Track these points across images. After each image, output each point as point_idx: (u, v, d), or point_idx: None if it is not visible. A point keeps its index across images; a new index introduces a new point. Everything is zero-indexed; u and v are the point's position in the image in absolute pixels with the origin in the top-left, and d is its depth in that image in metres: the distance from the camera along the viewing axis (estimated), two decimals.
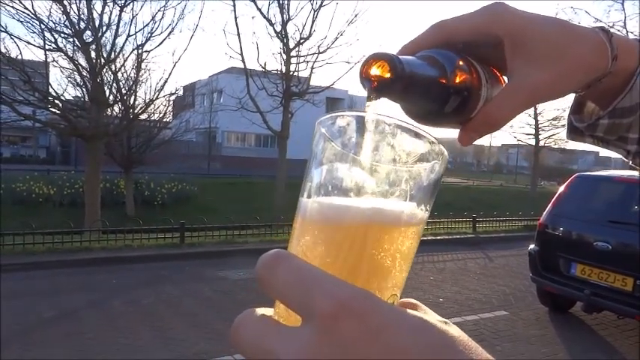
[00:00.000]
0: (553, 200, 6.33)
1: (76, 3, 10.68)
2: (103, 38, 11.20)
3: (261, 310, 0.30)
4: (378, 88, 0.36)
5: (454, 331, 0.28)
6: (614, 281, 5.35)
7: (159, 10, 12.03)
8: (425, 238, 10.15)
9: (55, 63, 11.57)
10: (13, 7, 10.04)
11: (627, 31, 16.05)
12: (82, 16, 10.82)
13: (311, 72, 15.58)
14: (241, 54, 14.83)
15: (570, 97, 0.54)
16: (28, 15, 10.23)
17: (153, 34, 11.75)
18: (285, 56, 15.03)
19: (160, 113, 15.07)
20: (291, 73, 15.18)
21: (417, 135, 0.31)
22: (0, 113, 11.23)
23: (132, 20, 11.87)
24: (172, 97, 15.82)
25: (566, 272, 5.82)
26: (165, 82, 12.78)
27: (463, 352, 0.26)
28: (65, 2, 10.44)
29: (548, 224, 6.19)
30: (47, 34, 10.53)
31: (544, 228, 6.23)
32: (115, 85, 11.83)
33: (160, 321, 5.61)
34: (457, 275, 8.42)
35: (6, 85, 10.67)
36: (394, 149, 0.31)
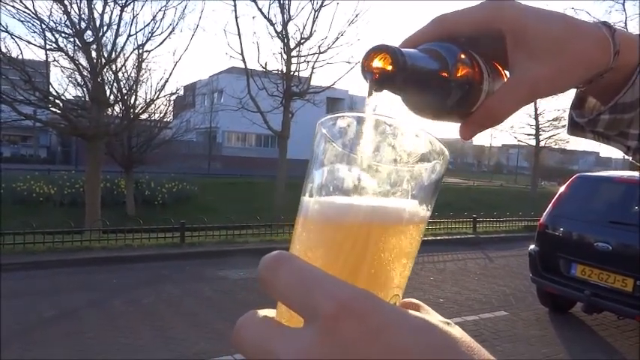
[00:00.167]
0: (553, 201, 6.33)
1: (76, 3, 10.70)
2: (104, 38, 11.22)
3: (263, 312, 0.30)
4: (379, 80, 0.36)
5: (456, 331, 0.28)
6: (614, 282, 5.35)
7: (159, 10, 12.05)
8: (425, 239, 10.10)
9: (55, 63, 11.60)
10: (13, 6, 10.06)
11: None
12: (82, 15, 10.84)
13: (311, 72, 15.59)
14: (242, 54, 14.84)
15: (571, 96, 0.54)
16: (29, 15, 10.24)
17: (153, 34, 11.76)
18: (285, 56, 15.04)
19: (160, 113, 15.10)
20: (292, 73, 15.18)
21: (417, 135, 0.31)
22: (0, 113, 11.24)
23: (132, 20, 11.90)
24: (173, 97, 15.83)
25: (566, 273, 5.82)
26: (166, 81, 12.80)
27: (465, 352, 0.26)
28: (66, 2, 10.45)
29: (549, 225, 6.19)
30: (48, 34, 10.55)
31: (544, 228, 6.23)
32: (115, 84, 11.84)
33: (160, 320, 5.61)
34: (457, 275, 8.42)
35: (7, 85, 10.68)
36: (395, 149, 0.31)
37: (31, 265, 7.47)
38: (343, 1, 26.03)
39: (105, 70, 11.34)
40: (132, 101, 12.65)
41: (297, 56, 15.25)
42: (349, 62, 15.52)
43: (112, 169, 15.66)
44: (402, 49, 0.36)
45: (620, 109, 0.48)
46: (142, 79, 12.80)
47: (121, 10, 11.10)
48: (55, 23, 10.66)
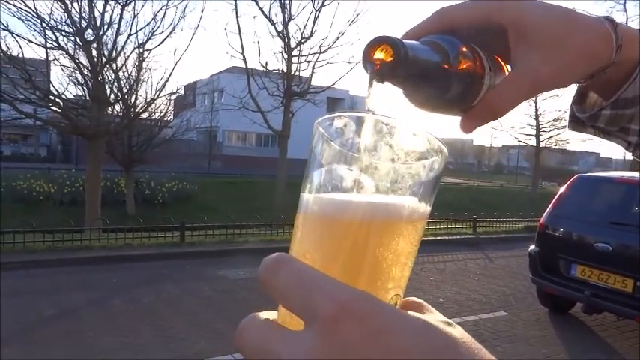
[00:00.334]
0: (553, 201, 6.33)
1: (77, 1, 10.69)
2: (105, 37, 11.22)
3: (264, 314, 0.30)
4: (380, 72, 0.36)
5: (457, 332, 0.28)
6: (614, 282, 5.35)
7: (160, 9, 12.07)
8: (425, 239, 10.11)
9: (56, 61, 11.61)
10: (14, 5, 10.05)
11: None
12: (83, 14, 10.84)
13: (312, 72, 15.59)
14: (242, 53, 14.84)
15: (572, 95, 0.54)
16: (30, 13, 10.24)
17: (154, 33, 11.76)
18: (286, 56, 15.04)
19: (160, 112, 15.10)
20: (292, 72, 15.18)
21: (415, 134, 0.31)
22: (1, 111, 11.25)
23: (133, 19, 11.92)
24: (173, 96, 15.83)
25: (566, 273, 5.82)
26: (167, 81, 12.83)
27: (465, 353, 0.26)
28: (67, 1, 10.45)
29: (549, 225, 6.19)
30: (48, 33, 10.55)
31: (544, 229, 6.23)
32: (116, 83, 11.84)
33: (160, 320, 5.61)
34: (457, 276, 8.42)
35: (7, 84, 10.68)
36: (393, 148, 0.31)
37: (31, 264, 7.47)
38: (344, 0, 26.01)
39: (105, 69, 11.34)
40: (132, 100, 12.66)
41: (298, 56, 15.26)
42: (350, 62, 15.55)
43: (112, 168, 15.67)
44: (403, 41, 0.36)
45: (622, 104, 0.48)
46: (142, 78, 12.82)
47: (122, 9, 11.11)
48: (55, 22, 10.67)
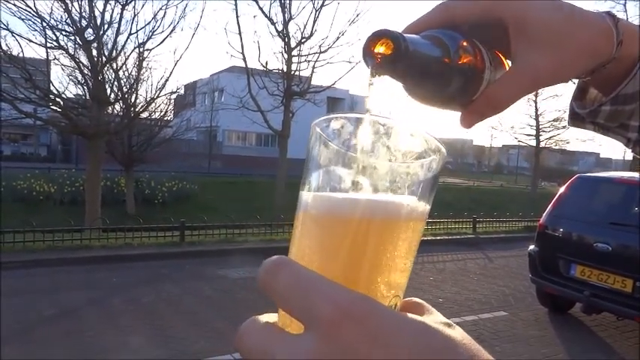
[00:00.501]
0: (553, 201, 6.33)
1: (77, 1, 10.68)
2: (105, 36, 11.21)
3: (264, 318, 0.30)
4: (381, 65, 0.36)
5: (456, 333, 0.28)
6: (613, 282, 5.35)
7: (160, 9, 12.06)
8: (425, 239, 10.14)
9: (56, 61, 11.60)
10: (14, 4, 10.05)
11: None
12: (83, 14, 10.83)
13: (312, 71, 15.57)
14: (242, 53, 14.83)
15: (572, 93, 0.54)
16: (30, 13, 10.24)
17: (154, 33, 11.75)
18: (286, 55, 15.03)
19: (161, 112, 15.10)
20: (293, 72, 15.17)
21: (412, 134, 0.31)
22: (1, 111, 11.24)
23: (133, 18, 11.86)
24: (173, 96, 15.83)
25: (565, 273, 5.82)
26: (167, 80, 12.80)
27: (464, 355, 0.26)
28: (67, 0, 10.45)
29: (549, 225, 6.19)
30: (49, 32, 10.55)
31: (544, 229, 6.23)
32: (116, 83, 11.84)
33: (160, 319, 5.61)
34: (457, 276, 8.42)
35: (7, 83, 10.68)
36: (391, 148, 0.31)
37: (31, 264, 7.47)
38: (344, 0, 25.98)
39: (105, 68, 11.34)
40: (132, 100, 12.66)
41: (298, 55, 15.25)
42: (350, 62, 15.52)
43: (112, 168, 15.66)
44: (404, 35, 0.36)
45: (622, 100, 0.48)
46: (142, 77, 12.82)
47: (122, 9, 11.11)
48: (55, 21, 10.67)
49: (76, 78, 11.91)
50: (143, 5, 19.01)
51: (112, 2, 11.02)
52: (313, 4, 14.85)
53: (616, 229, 5.56)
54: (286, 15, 14.84)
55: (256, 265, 0.29)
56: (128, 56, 11.93)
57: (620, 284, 5.29)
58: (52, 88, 11.30)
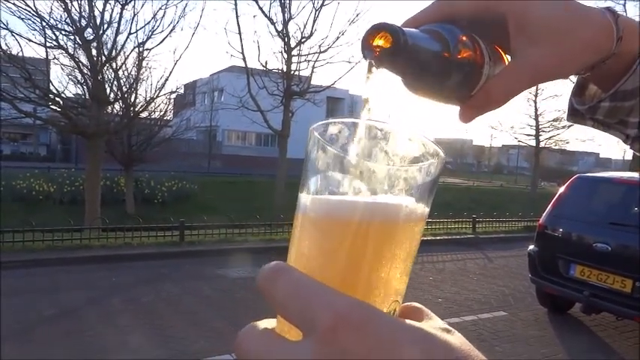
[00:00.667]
0: (553, 201, 6.33)
1: (77, 0, 10.68)
2: (104, 36, 11.21)
3: (263, 324, 0.30)
4: (379, 59, 0.36)
5: (455, 339, 0.28)
6: (613, 282, 5.35)
7: (160, 9, 12.07)
8: (424, 238, 10.12)
9: (56, 60, 11.61)
10: (14, 4, 10.05)
11: None
12: (83, 13, 10.83)
13: (312, 71, 15.57)
14: (242, 53, 14.82)
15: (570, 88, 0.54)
16: (30, 12, 10.23)
17: (154, 32, 11.75)
18: (286, 55, 15.02)
19: (160, 111, 15.11)
20: (292, 72, 15.16)
21: (410, 138, 0.31)
22: (0, 110, 11.23)
23: (133, 18, 11.88)
24: (173, 96, 15.83)
25: (565, 273, 5.82)
26: (166, 80, 12.79)
27: None
28: (66, 0, 10.45)
29: (548, 225, 6.19)
30: (48, 32, 10.54)
31: (544, 229, 6.23)
32: (115, 82, 11.83)
33: (159, 319, 5.61)
34: (456, 276, 8.42)
35: (7, 83, 10.68)
36: (389, 152, 0.31)
37: (30, 263, 7.47)
38: (344, 0, 25.99)
39: (105, 68, 11.33)
40: (132, 99, 12.65)
41: (298, 55, 15.25)
42: (350, 62, 15.52)
43: (111, 167, 15.66)
44: (403, 29, 0.36)
45: (621, 96, 0.48)
46: (142, 77, 12.81)
47: (122, 8, 11.10)
48: (55, 21, 10.66)
49: (76, 77, 11.92)
50: (143, 5, 19.01)
51: (112, 2, 11.03)
52: (313, 4, 14.86)
53: (615, 229, 5.56)
54: (286, 15, 14.84)
55: (256, 265, 0.29)
56: (128, 56, 11.94)
57: (619, 284, 5.29)
58: (51, 87, 11.30)
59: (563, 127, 23.79)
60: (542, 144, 24.85)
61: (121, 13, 11.12)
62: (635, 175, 6.51)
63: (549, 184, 37.98)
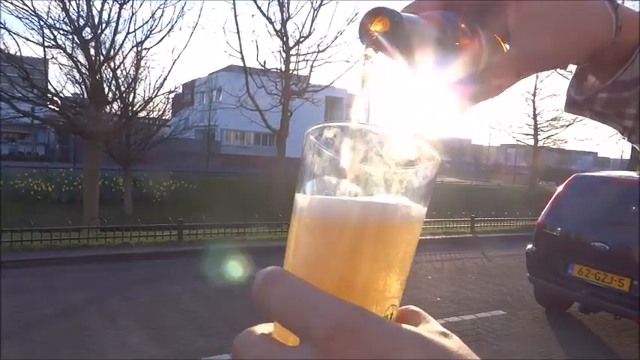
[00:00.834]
0: (551, 200, 6.34)
1: (75, 0, 10.67)
2: (103, 35, 11.20)
3: (260, 329, 0.30)
4: (376, 43, 0.35)
5: (453, 343, 0.27)
6: (611, 282, 5.36)
7: (158, 8, 12.06)
8: (423, 238, 10.10)
9: (54, 60, 11.58)
10: (12, 3, 10.03)
11: None
12: (81, 13, 10.81)
13: (310, 71, 15.54)
14: (241, 52, 14.80)
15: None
16: (27, 11, 10.22)
17: (152, 32, 11.74)
18: (284, 55, 15.01)
19: (159, 111, 15.06)
20: (291, 71, 15.15)
21: (406, 141, 0.31)
22: None
23: (131, 17, 11.83)
24: (171, 95, 15.82)
25: (563, 272, 5.83)
26: (165, 79, 12.77)
27: None
28: None
29: (546, 224, 6.20)
30: (46, 31, 10.53)
31: (542, 228, 6.24)
32: (114, 82, 11.82)
33: (157, 319, 5.61)
34: (455, 275, 8.43)
35: (5, 82, 10.65)
36: (384, 155, 0.31)
37: (29, 263, 7.46)
38: (343, 0, 25.99)
39: (103, 67, 11.32)
40: (130, 99, 12.62)
41: (296, 55, 15.23)
42: (348, 61, 15.50)
43: (110, 167, 15.64)
44: (401, 14, 0.36)
45: (619, 87, 0.47)
46: (140, 76, 12.78)
47: (120, 8, 11.09)
48: (53, 20, 10.66)
49: (74, 77, 11.90)
50: (141, 4, 18.89)
51: (110, 1, 11.03)
52: (311, 4, 14.84)
53: (614, 228, 5.57)
54: (284, 14, 14.82)
55: (254, 265, 0.29)
56: (126, 55, 11.92)
57: (617, 283, 5.31)
58: (49, 87, 11.28)
59: (562, 126, 23.85)
60: (540, 143, 24.89)
61: (119, 13, 11.13)
62: (632, 174, 6.53)
63: (547, 184, 38.01)
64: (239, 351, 0.29)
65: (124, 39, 11.56)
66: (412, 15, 0.39)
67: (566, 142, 25.87)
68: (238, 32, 14.63)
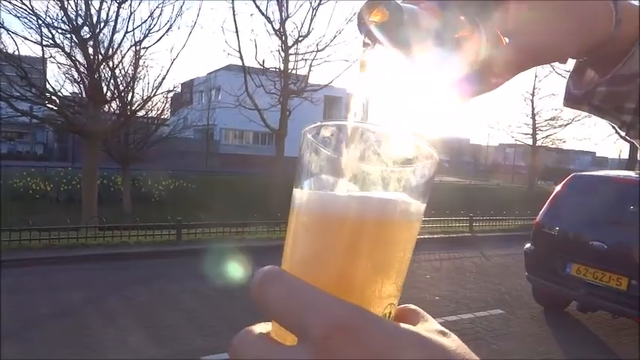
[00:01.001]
0: (549, 200, 6.35)
1: None
2: (101, 34, 11.18)
3: (258, 328, 0.30)
4: (374, 34, 0.35)
5: (451, 342, 0.27)
6: (609, 281, 5.37)
7: (157, 7, 12.00)
8: (422, 237, 10.16)
9: (52, 59, 11.54)
10: (10, 2, 10.00)
11: None
12: (79, 12, 10.79)
13: (309, 70, 15.54)
14: (240, 51, 14.78)
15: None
16: (26, 11, 10.19)
17: (151, 31, 11.72)
18: (283, 54, 15.00)
19: (157, 110, 15.03)
20: (290, 70, 15.14)
21: (403, 140, 0.31)
22: None
23: (130, 16, 11.81)
24: (170, 94, 15.79)
25: (561, 271, 5.84)
26: (163, 78, 12.76)
27: None
28: None
29: (545, 224, 6.21)
30: (44, 30, 10.51)
31: (540, 227, 6.25)
32: (112, 81, 11.80)
33: (156, 318, 5.61)
34: (453, 274, 8.44)
35: (3, 81, 10.63)
36: (382, 154, 0.31)
37: (27, 262, 7.45)
38: None
39: (102, 66, 11.30)
40: (129, 98, 12.60)
41: (295, 54, 15.22)
42: (347, 60, 15.50)
43: (108, 166, 15.62)
44: (400, 4, 0.36)
45: (618, 81, 0.47)
46: (139, 75, 12.75)
47: (118, 7, 11.08)
48: (51, 19, 10.63)
49: (72, 76, 11.86)
50: (140, 3, 18.94)
51: (109, 0, 11.00)
52: (310, 3, 14.83)
53: (612, 227, 5.58)
54: (283, 13, 14.81)
55: (253, 264, 0.29)
56: (124, 54, 11.90)
57: (615, 282, 5.32)
58: (48, 86, 11.27)
59: (560, 126, 23.87)
60: (538, 143, 24.92)
61: (118, 12, 11.11)
62: (630, 173, 6.54)
63: (546, 183, 38.03)
64: (237, 351, 0.29)
65: (123, 38, 11.61)
66: (411, 5, 0.39)
67: (564, 141, 25.92)
68: (237, 31, 14.63)
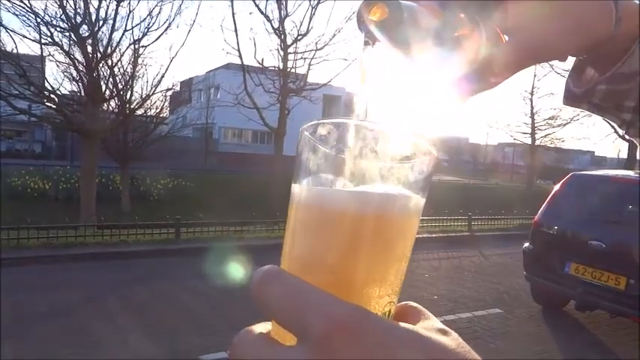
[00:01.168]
0: (548, 199, 6.35)
1: None
2: (100, 33, 11.14)
3: (258, 328, 0.30)
4: (374, 32, 0.35)
5: (451, 341, 0.27)
6: (607, 280, 5.38)
7: (156, 5, 11.96)
8: (420, 236, 10.16)
9: (51, 57, 11.53)
10: (9, 0, 9.98)
11: None
12: (78, 10, 10.76)
13: (308, 69, 15.55)
14: (239, 50, 14.78)
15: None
16: (24, 8, 10.16)
17: (150, 29, 11.69)
18: (282, 53, 15.00)
19: (156, 109, 15.01)
20: (289, 69, 15.14)
21: (402, 137, 0.31)
22: None
23: (129, 15, 11.78)
24: (169, 93, 15.77)
25: (560, 271, 5.85)
26: (162, 77, 12.74)
27: None
28: None
29: (543, 223, 6.22)
30: (43, 28, 10.47)
31: (539, 227, 6.26)
32: (111, 80, 11.77)
33: (155, 316, 5.61)
34: (452, 273, 8.45)
35: (2, 80, 10.60)
36: (380, 151, 0.31)
37: (26, 261, 7.44)
38: None
39: (100, 65, 11.27)
40: (128, 96, 12.58)
41: (294, 53, 15.22)
42: (346, 59, 15.50)
43: (107, 165, 15.59)
44: (400, 2, 0.36)
45: (618, 79, 0.47)
46: (137, 74, 12.72)
47: (117, 5, 11.05)
48: (50, 17, 10.59)
49: (71, 74, 11.82)
50: (139, 2, 18.93)
51: None
52: (309, 1, 14.83)
53: (610, 227, 5.59)
54: (282, 12, 14.80)
55: (252, 263, 0.29)
56: (123, 53, 11.86)
57: (613, 282, 5.32)
58: (46, 84, 11.26)
59: (559, 125, 23.88)
60: (537, 142, 24.92)
61: (117, 10, 11.07)
62: (629, 173, 6.55)
63: (545, 182, 38.06)
64: (237, 350, 0.29)
65: (122, 36, 11.53)
66: (410, 3, 0.39)
67: (563, 140, 25.92)
68: (236, 30, 14.62)
